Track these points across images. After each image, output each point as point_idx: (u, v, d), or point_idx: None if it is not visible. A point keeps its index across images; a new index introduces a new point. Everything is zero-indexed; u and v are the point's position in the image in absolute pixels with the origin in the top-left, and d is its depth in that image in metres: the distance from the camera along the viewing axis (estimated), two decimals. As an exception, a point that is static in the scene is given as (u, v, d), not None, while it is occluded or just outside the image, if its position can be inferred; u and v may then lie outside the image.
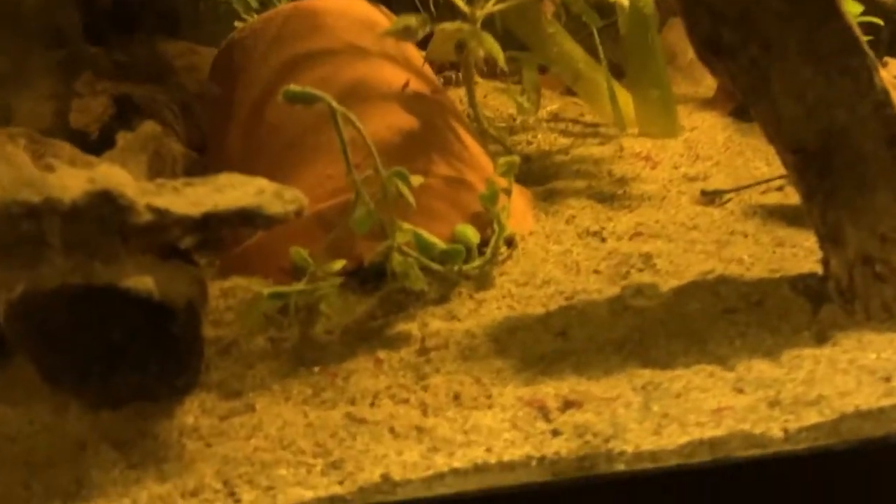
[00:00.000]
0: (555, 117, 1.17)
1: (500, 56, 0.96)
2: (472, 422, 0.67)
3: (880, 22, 1.15)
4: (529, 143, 1.12)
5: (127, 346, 0.67)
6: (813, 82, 0.74)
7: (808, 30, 0.73)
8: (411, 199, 0.80)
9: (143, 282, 0.65)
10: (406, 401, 0.71)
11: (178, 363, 0.70)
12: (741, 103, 1.19)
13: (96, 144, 1.06)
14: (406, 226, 0.80)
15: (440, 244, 0.82)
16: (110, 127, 1.07)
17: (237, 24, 1.08)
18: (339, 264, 0.82)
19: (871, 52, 0.74)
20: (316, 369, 0.76)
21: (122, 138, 0.89)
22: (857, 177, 0.76)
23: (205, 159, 1.01)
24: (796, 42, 0.74)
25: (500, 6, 1.04)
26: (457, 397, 0.71)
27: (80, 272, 0.64)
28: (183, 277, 0.70)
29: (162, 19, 1.20)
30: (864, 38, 0.74)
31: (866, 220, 0.76)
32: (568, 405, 0.69)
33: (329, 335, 0.81)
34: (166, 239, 0.68)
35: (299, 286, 0.81)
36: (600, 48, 1.06)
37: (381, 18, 1.05)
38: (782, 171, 1.02)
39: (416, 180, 0.79)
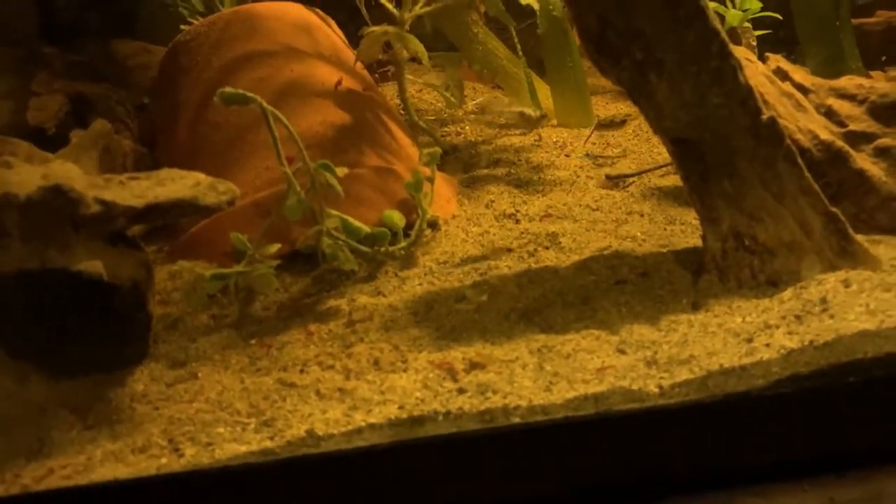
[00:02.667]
0: (482, 109, 1.26)
1: (424, 55, 1.05)
2: (389, 383, 0.77)
3: (779, 17, 1.25)
4: (458, 133, 1.21)
5: (80, 321, 0.76)
6: (687, 81, 0.84)
7: (681, 34, 0.83)
8: (339, 188, 0.89)
9: (92, 265, 0.74)
10: (332, 367, 0.80)
11: (126, 336, 0.79)
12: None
13: (54, 140, 1.14)
14: (333, 212, 0.90)
15: (365, 228, 0.91)
16: (66, 124, 1.15)
17: (183, 27, 1.16)
18: (274, 247, 0.91)
19: (735, 54, 0.84)
20: (253, 341, 0.85)
21: (76, 136, 0.98)
22: (727, 162, 0.86)
23: (154, 154, 1.10)
24: (672, 45, 0.83)
25: (426, 9, 1.13)
26: (376, 362, 0.80)
27: (37, 258, 0.73)
28: (129, 261, 0.79)
29: (117, 20, 1.27)
30: (757, 34, 0.83)
31: (736, 200, 0.86)
32: (473, 367, 0.78)
33: (266, 311, 0.90)
34: (113, 227, 0.77)
35: (238, 268, 0.90)
36: (518, 46, 1.15)
37: (316, 21, 1.13)
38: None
39: (342, 171, 0.88)
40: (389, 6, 1.12)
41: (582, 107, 1.19)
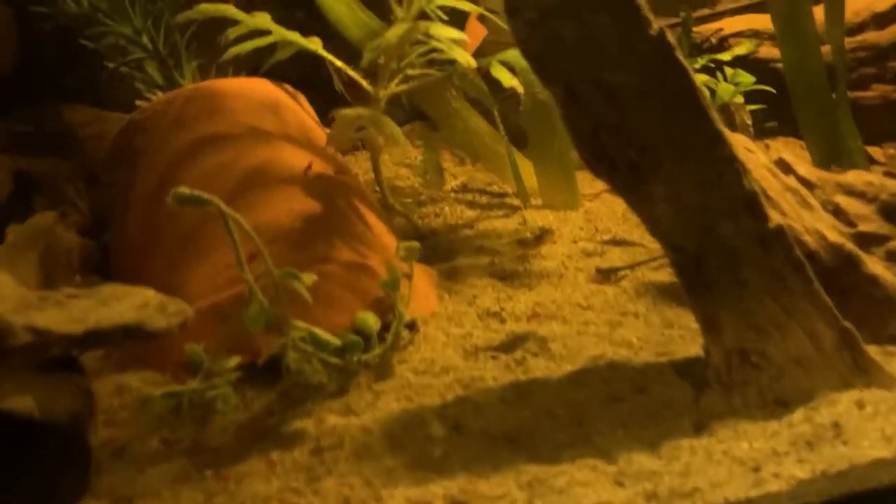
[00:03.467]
0: (463, 187, 1.19)
1: (400, 138, 0.98)
2: (360, 528, 0.68)
3: (773, 90, 1.20)
4: (437, 215, 1.13)
5: (8, 465, 0.66)
6: (687, 186, 0.77)
7: (681, 135, 0.77)
8: (307, 295, 0.81)
9: (22, 402, 0.65)
10: (296, 506, 0.71)
11: (62, 475, 0.69)
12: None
13: (-7, 223, 1.04)
14: (300, 324, 0.81)
15: (335, 341, 0.82)
16: (8, 206, 1.06)
17: (139, 103, 1.08)
18: (234, 361, 0.82)
19: (739, 157, 0.77)
20: (209, 473, 0.76)
21: (12, 232, 0.88)
22: (731, 272, 0.79)
23: (106, 239, 1.00)
24: (670, 147, 0.77)
25: (403, 87, 1.06)
26: (346, 501, 0.72)
27: (-46, 397, 0.63)
28: (66, 390, 0.69)
29: (70, 84, 1.18)
30: (751, 108, 0.78)
31: (742, 312, 0.79)
32: (455, 505, 0.70)
33: (224, 434, 0.81)
34: (47, 355, 0.68)
35: (192, 384, 0.81)
36: (500, 125, 1.08)
37: (284, 98, 1.05)
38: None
39: (309, 279, 0.80)
40: (364, 83, 1.04)
41: (568, 186, 1.12)
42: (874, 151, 1.20)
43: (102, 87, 1.16)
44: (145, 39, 1.08)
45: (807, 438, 0.72)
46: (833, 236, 0.86)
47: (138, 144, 1.01)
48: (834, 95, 1.12)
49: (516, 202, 1.15)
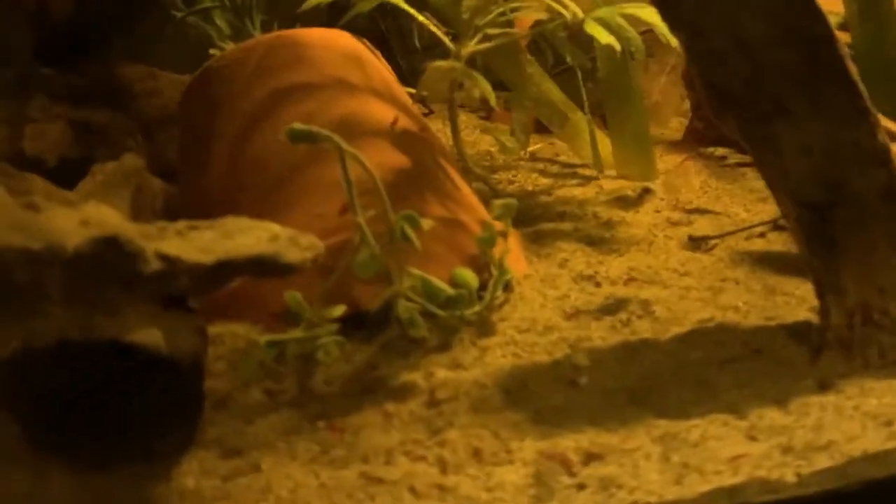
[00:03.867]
0: (531, 157, 1.16)
1: (491, 96, 0.95)
2: (496, 478, 0.65)
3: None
4: (511, 182, 1.10)
5: (128, 404, 0.62)
6: (819, 138, 0.76)
7: (816, 87, 0.75)
8: (418, 243, 0.77)
9: (149, 335, 0.60)
10: (423, 458, 0.68)
11: (178, 421, 0.65)
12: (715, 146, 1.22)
13: (53, 174, 0.99)
14: (414, 271, 0.77)
15: (448, 290, 0.79)
16: (68, 155, 1.00)
17: (213, 51, 1.03)
18: (338, 310, 0.78)
19: (874, 110, 0.76)
20: (321, 424, 0.72)
21: (101, 172, 0.83)
22: (857, 230, 0.77)
23: (179, 195, 0.96)
24: (804, 99, 0.75)
25: (484, 45, 1.03)
26: (476, 453, 0.68)
27: (81, 325, 0.58)
28: (186, 329, 0.65)
29: (120, 40, 1.13)
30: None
31: (866, 271, 0.77)
32: (590, 458, 0.68)
33: (329, 386, 0.77)
34: (172, 288, 0.63)
35: (297, 333, 0.77)
36: (583, 89, 1.06)
37: (366, 52, 1.02)
38: (762, 217, 1.06)
39: (427, 224, 0.76)
40: (446, 40, 1.01)
41: (644, 158, 1.10)
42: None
43: (168, 39, 1.11)
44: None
45: (936, 392, 0.71)
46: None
47: (217, 92, 0.96)
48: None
49: (588, 172, 1.12)
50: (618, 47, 0.94)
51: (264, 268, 0.63)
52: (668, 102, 1.31)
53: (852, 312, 0.78)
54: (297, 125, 0.73)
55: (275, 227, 0.67)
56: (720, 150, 1.18)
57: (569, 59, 1.04)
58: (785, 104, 0.75)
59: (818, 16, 0.74)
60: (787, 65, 0.74)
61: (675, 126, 1.29)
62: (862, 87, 0.75)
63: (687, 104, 1.32)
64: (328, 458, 0.68)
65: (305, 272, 0.82)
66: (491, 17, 1.02)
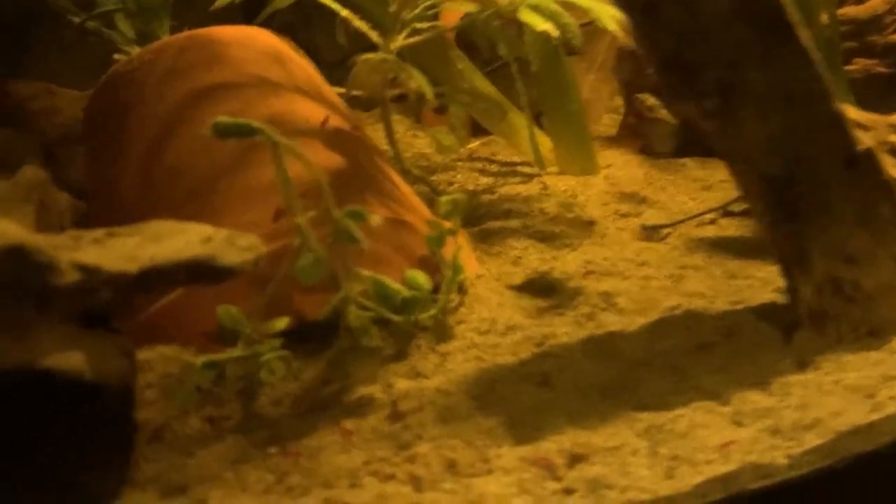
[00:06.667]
0: (469, 157, 1.11)
1: (427, 89, 0.89)
2: (476, 491, 0.58)
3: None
4: (451, 183, 1.05)
5: (46, 443, 0.52)
6: (775, 106, 0.73)
7: (767, 53, 0.72)
8: (365, 242, 0.70)
9: (68, 359, 0.51)
10: (392, 476, 0.60)
11: (108, 460, 0.56)
12: (647, 141, 1.20)
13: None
14: (365, 273, 0.71)
15: (404, 291, 0.72)
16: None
17: (117, 56, 0.94)
18: (281, 322, 0.70)
19: (827, 77, 0.74)
20: (272, 450, 0.64)
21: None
22: (820, 200, 0.75)
23: (88, 210, 0.86)
24: (757, 65, 0.72)
25: (413, 39, 0.97)
26: (451, 465, 0.61)
27: (-16, 352, 0.49)
28: (112, 351, 0.56)
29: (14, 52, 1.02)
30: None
31: (832, 242, 0.75)
32: (574, 460, 0.62)
33: (277, 408, 0.69)
34: (90, 304, 0.55)
35: (236, 352, 0.69)
36: (520, 83, 1.01)
37: (287, 50, 0.95)
38: (709, 204, 1.03)
39: (375, 220, 0.70)
40: (373, 35, 0.95)
41: (585, 152, 1.06)
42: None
43: (67, 48, 1.01)
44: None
45: (913, 360, 0.69)
46: (894, 174, 0.84)
47: (126, 98, 0.87)
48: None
49: (528, 170, 1.08)
50: (555, 34, 0.90)
51: (199, 273, 0.55)
52: (599, 99, 1.29)
53: (822, 287, 0.75)
54: (223, 118, 0.66)
55: (207, 229, 0.59)
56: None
57: (501, 52, 0.99)
58: (740, 74, 0.72)
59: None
60: (738, 34, 0.72)
61: (608, 122, 1.26)
62: (816, 55, 0.73)
63: (617, 100, 1.30)
64: (284, 486, 0.60)
65: (237, 284, 0.75)
66: (419, 10, 0.97)
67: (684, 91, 0.73)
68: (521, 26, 1.04)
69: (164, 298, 0.76)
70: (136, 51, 0.94)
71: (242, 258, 0.57)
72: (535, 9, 0.91)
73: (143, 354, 0.72)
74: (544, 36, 1.04)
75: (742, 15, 0.72)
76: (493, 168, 1.09)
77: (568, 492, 0.59)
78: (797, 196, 0.75)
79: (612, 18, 0.91)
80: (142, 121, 0.86)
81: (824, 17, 1.13)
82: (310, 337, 0.74)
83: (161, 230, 0.58)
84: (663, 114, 1.08)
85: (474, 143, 1.12)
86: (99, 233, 0.57)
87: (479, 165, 1.09)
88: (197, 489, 0.60)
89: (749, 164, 0.74)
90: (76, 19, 0.96)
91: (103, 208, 0.85)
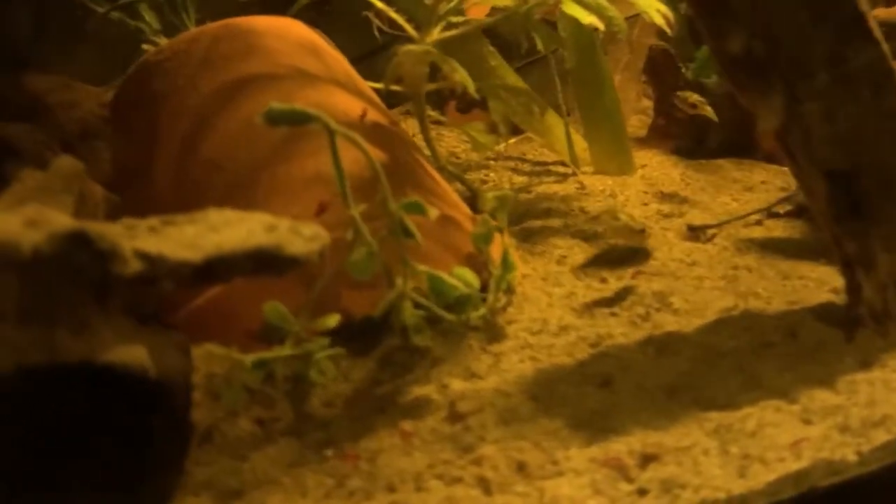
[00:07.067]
0: (500, 156, 1.08)
1: (469, 83, 0.86)
2: (549, 493, 0.56)
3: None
4: (484, 181, 1.02)
5: (105, 442, 0.49)
6: (842, 102, 0.71)
7: (835, 47, 0.70)
8: (419, 236, 0.68)
9: (132, 354, 0.48)
10: (460, 479, 0.58)
11: (167, 461, 0.52)
12: (682, 141, 1.18)
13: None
14: (421, 267, 0.68)
15: (461, 288, 0.69)
16: (-22, 172, 0.85)
17: (145, 46, 0.91)
18: (332, 319, 0.67)
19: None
20: (329, 452, 0.60)
21: (32, 177, 0.69)
22: (886, 198, 0.73)
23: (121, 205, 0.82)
24: (824, 59, 0.70)
25: (450, 33, 0.95)
26: (521, 467, 0.58)
27: (43, 346, 0.46)
28: (170, 346, 0.53)
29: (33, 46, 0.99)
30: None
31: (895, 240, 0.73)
32: (646, 460, 0.60)
33: (330, 409, 0.65)
34: (150, 295, 0.51)
35: (286, 350, 0.66)
36: (558, 81, 0.99)
37: (323, 42, 0.92)
38: (753, 205, 1.01)
39: (433, 213, 0.67)
40: (409, 27, 0.93)
41: (621, 152, 1.03)
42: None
43: (90, 37, 0.97)
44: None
45: (976, 357, 0.68)
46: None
47: (158, 89, 0.84)
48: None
49: (563, 169, 1.05)
50: (601, 27, 0.87)
51: (265, 263, 0.52)
52: (626, 100, 1.26)
53: (885, 286, 0.73)
54: (276, 104, 0.63)
55: (266, 217, 0.55)
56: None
57: (540, 48, 0.97)
58: (804, 65, 0.70)
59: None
60: (806, 29, 0.70)
61: (635, 123, 1.24)
62: (885, 47, 0.71)
63: (644, 102, 1.28)
64: (346, 490, 0.57)
65: (281, 281, 0.71)
66: (454, 3, 0.95)
67: (751, 88, 0.71)
68: (554, 22, 1.02)
69: (203, 294, 0.73)
70: (164, 41, 0.91)
71: (308, 248, 0.54)
72: (579, 1, 0.88)
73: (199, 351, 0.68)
74: (582, 32, 1.02)
75: (812, 11, 0.70)
76: (526, 167, 1.06)
77: (642, 492, 0.57)
78: (861, 193, 0.72)
79: (657, 12, 0.89)
80: (174, 112, 0.82)
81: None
82: (355, 335, 0.72)
83: (220, 219, 0.55)
84: (707, 111, 1.06)
85: (506, 142, 1.09)
86: (154, 221, 0.54)
87: (511, 164, 1.06)
88: (253, 494, 0.56)
89: (814, 162, 0.72)
90: (100, 9, 0.93)
91: (134, 204, 0.82)
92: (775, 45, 0.70)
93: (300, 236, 0.54)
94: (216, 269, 0.51)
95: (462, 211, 0.86)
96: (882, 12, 1.29)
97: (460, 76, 0.84)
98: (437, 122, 1.18)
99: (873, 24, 0.71)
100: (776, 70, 0.70)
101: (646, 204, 0.97)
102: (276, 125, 0.64)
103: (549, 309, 0.78)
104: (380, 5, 0.93)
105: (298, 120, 0.64)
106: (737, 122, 1.07)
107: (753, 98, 0.71)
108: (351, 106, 0.86)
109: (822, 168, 0.72)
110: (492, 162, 1.07)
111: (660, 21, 0.88)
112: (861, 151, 0.72)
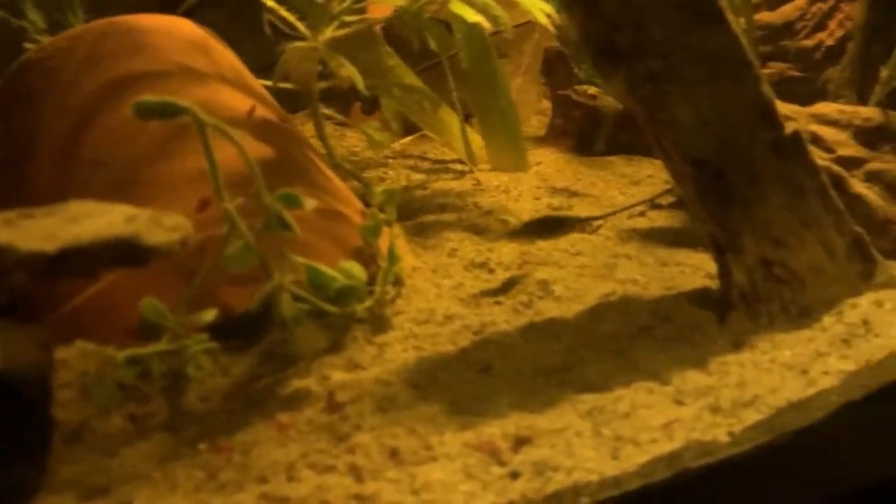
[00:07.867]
0: (398, 154, 1.09)
1: (359, 80, 0.87)
2: (421, 479, 0.56)
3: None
4: (382, 179, 1.03)
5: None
6: (706, 91, 0.74)
7: (698, 40, 0.73)
8: (297, 229, 0.68)
9: (-23, 346, 0.47)
10: (332, 468, 0.58)
11: (23, 460, 0.51)
12: (579, 139, 1.21)
13: None
14: (300, 259, 0.68)
15: (340, 279, 0.70)
16: None
17: (27, 45, 0.89)
18: (209, 315, 0.67)
19: (757, 62, 0.75)
20: (202, 446, 0.60)
21: None
22: (750, 185, 0.76)
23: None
24: (689, 53, 0.73)
25: (343, 31, 0.95)
26: (394, 454, 0.59)
27: None
28: (24, 340, 0.52)
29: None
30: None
31: (761, 225, 0.76)
32: (519, 443, 0.61)
33: (206, 403, 0.65)
34: (4, 284, 0.50)
35: (161, 346, 0.65)
36: (451, 79, 1.00)
37: (212, 40, 0.91)
38: (638, 198, 1.04)
39: (310, 204, 0.67)
40: (300, 25, 0.93)
41: (516, 149, 1.05)
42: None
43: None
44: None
45: (842, 337, 0.72)
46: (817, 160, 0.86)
47: (39, 87, 0.82)
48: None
49: (460, 167, 1.07)
50: (487, 26, 0.89)
51: (123, 254, 0.52)
52: (526, 101, 1.29)
53: (752, 269, 0.76)
54: (148, 97, 0.62)
55: (130, 209, 0.55)
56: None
57: (432, 47, 0.98)
58: (671, 60, 0.73)
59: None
60: (670, 21, 0.72)
61: (535, 123, 1.27)
62: (746, 39, 0.74)
63: (545, 103, 1.31)
64: (216, 483, 0.57)
65: (162, 277, 0.71)
66: (347, 3, 0.95)
67: (617, 77, 0.73)
68: (450, 24, 1.04)
69: (84, 292, 0.72)
70: (48, 40, 0.89)
71: (169, 238, 0.53)
72: (466, 1, 0.90)
73: (60, 352, 0.67)
74: (475, 32, 1.04)
75: (673, 2, 0.73)
76: (425, 165, 1.08)
77: (514, 475, 0.58)
78: (727, 180, 0.75)
79: (541, 12, 0.91)
80: (57, 111, 0.81)
81: (742, 22, 1.17)
82: (239, 331, 0.71)
83: (81, 211, 0.54)
84: (607, 101, 1.09)
85: (405, 141, 1.10)
86: (11, 214, 0.53)
87: (410, 162, 1.07)
88: (121, 490, 0.55)
89: (679, 150, 0.75)
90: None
91: (13, 202, 0.80)
92: (640, 37, 0.72)
93: (160, 226, 0.54)
94: (73, 259, 0.51)
95: (354, 207, 0.86)
96: (766, 15, 1.35)
97: (348, 72, 0.85)
98: (342, 124, 1.18)
99: (730, 16, 0.74)
100: (641, 63, 0.72)
101: (538, 199, 0.99)
102: (147, 119, 0.64)
103: (437, 300, 0.79)
104: (271, 4, 0.93)
105: (169, 113, 0.64)
106: (627, 120, 1.11)
107: (610, 75, 0.73)
108: (239, 103, 0.86)
109: (688, 156, 0.75)
110: (391, 160, 1.08)
111: (544, 21, 0.90)
112: (724, 139, 0.75)
